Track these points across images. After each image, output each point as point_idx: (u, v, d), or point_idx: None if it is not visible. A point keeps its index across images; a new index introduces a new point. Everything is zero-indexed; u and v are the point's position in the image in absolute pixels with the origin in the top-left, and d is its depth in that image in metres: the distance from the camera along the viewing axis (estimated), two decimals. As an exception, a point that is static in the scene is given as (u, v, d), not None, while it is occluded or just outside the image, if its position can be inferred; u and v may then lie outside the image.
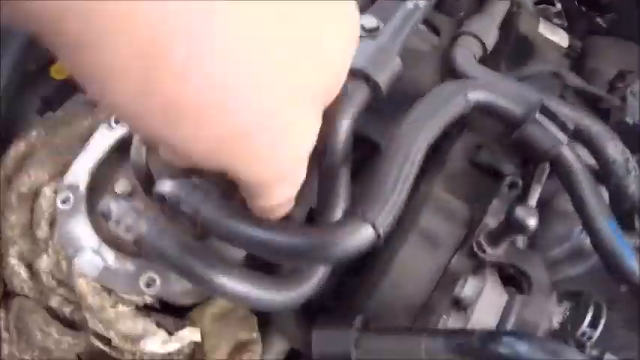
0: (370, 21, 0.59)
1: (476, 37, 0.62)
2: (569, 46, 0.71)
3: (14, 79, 0.62)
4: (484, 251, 0.56)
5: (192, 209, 0.43)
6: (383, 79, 0.50)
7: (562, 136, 0.55)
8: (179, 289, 0.51)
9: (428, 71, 0.60)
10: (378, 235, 0.41)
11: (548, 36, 0.69)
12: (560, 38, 0.70)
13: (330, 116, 0.44)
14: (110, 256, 0.52)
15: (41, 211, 0.56)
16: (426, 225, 0.58)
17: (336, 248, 0.39)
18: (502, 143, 0.62)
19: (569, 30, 0.75)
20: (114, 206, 0.46)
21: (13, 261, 0.55)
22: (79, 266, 0.52)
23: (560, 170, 0.57)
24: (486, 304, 0.56)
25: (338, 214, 0.48)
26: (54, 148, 0.59)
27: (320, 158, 0.50)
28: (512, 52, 0.67)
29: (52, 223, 0.57)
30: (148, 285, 0.51)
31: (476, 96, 0.54)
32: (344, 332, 0.53)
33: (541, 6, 0.81)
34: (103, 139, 0.59)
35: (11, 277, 0.55)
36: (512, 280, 0.59)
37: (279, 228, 0.41)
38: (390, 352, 0.53)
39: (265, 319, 0.61)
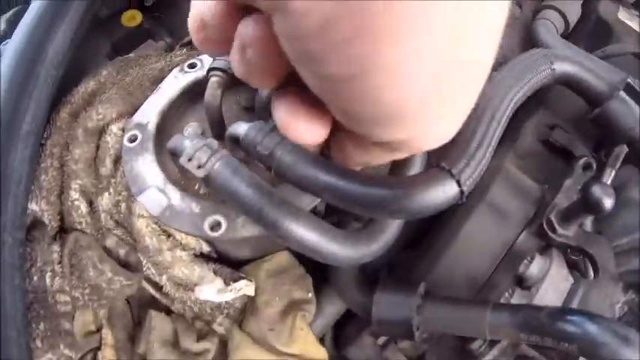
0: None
1: (559, 10, 0.59)
2: (646, 36, 0.68)
3: (84, 22, 0.60)
4: (554, 230, 0.53)
5: (267, 151, 0.41)
6: None
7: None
8: (245, 235, 0.49)
9: (509, 42, 0.58)
10: (462, 192, 0.38)
11: (627, 22, 0.66)
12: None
13: None
14: (175, 196, 0.50)
15: (106, 147, 0.55)
16: (495, 198, 0.55)
17: (416, 201, 0.36)
18: (577, 124, 0.60)
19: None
20: (187, 142, 0.45)
21: (75, 195, 0.53)
22: (142, 203, 0.50)
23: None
24: (551, 285, 0.53)
25: (416, 167, 0.45)
26: (124, 87, 0.58)
27: None
28: (591, 34, 0.64)
29: (116, 162, 0.55)
30: (213, 228, 0.49)
31: (562, 67, 0.52)
32: (407, 298, 0.51)
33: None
34: (176, 82, 0.57)
35: (70, 211, 0.54)
36: (577, 265, 0.57)
37: (358, 176, 0.39)
38: (452, 322, 0.51)
39: (319, 282, 0.60)
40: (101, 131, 0.56)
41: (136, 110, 0.56)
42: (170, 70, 0.58)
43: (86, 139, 0.55)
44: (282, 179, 0.42)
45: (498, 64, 0.51)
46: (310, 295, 0.57)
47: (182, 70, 0.59)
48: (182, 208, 0.50)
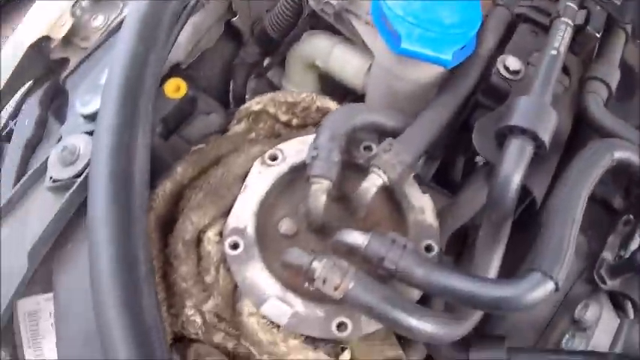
0: (514, 63, 0.59)
1: (603, 81, 0.63)
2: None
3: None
4: (604, 282, 0.61)
5: (392, 264, 0.48)
6: (547, 137, 0.52)
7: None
8: (369, 331, 0.52)
9: (564, 115, 0.61)
10: (557, 288, 0.47)
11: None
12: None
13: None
14: (297, 303, 0.52)
15: (209, 257, 0.53)
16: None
17: (525, 301, 0.46)
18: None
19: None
20: (316, 264, 0.47)
21: (190, 312, 0.52)
22: (267, 314, 0.52)
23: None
24: (603, 326, 0.62)
25: (492, 271, 0.52)
26: (210, 189, 0.55)
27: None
28: (620, 83, 0.68)
29: (217, 268, 0.55)
30: (339, 328, 0.52)
31: (619, 155, 0.56)
32: (497, 352, 0.58)
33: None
34: (261, 178, 0.56)
35: (187, 326, 0.52)
36: (620, 305, 0.65)
37: (479, 281, 0.48)
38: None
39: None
40: (198, 239, 0.55)
41: (225, 211, 0.55)
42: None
43: (188, 254, 0.53)
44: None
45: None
46: (400, 351, 0.62)
47: (264, 163, 0.57)
48: (307, 314, 0.52)
